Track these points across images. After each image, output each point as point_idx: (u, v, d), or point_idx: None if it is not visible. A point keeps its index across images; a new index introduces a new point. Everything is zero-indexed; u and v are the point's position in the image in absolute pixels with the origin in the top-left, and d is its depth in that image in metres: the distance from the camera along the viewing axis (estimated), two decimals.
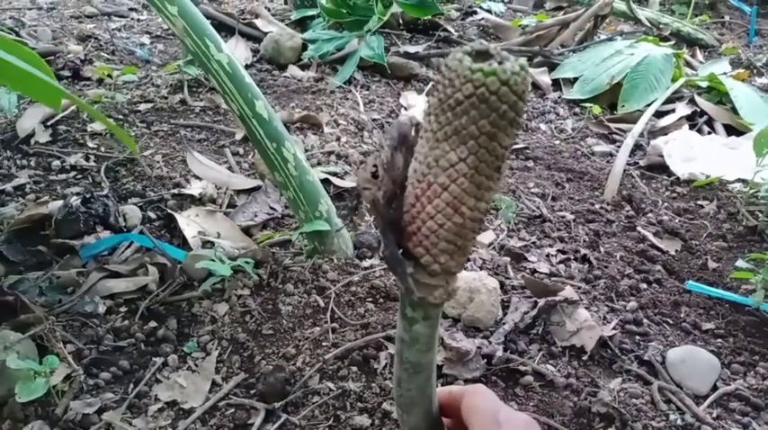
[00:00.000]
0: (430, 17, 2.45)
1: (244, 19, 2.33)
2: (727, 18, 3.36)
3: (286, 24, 2.37)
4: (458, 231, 0.40)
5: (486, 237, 1.23)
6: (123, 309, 1.00)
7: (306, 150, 1.49)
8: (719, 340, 1.03)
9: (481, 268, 1.13)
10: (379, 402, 0.84)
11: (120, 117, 1.57)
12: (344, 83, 1.92)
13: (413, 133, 0.43)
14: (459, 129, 0.37)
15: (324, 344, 0.93)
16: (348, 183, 1.35)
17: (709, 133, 1.86)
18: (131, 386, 0.87)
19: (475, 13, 2.86)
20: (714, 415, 0.88)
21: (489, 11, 2.90)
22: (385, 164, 0.43)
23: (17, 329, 0.89)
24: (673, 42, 2.59)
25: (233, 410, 0.84)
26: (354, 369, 0.89)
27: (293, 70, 2.02)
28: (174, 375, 0.89)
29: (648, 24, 2.77)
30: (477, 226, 0.41)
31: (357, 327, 0.96)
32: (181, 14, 0.96)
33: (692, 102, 2.02)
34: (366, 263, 1.10)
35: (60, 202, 1.13)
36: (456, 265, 0.42)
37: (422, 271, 0.42)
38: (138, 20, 2.36)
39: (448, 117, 0.37)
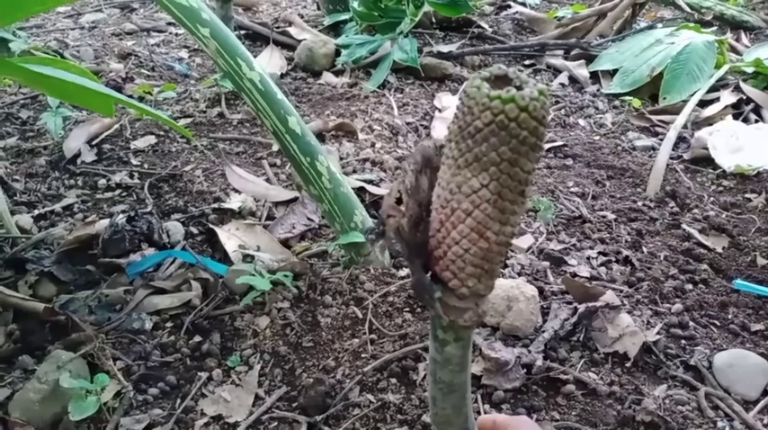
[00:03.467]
0: (463, 14, 2.43)
1: (277, 27, 2.36)
2: None
3: (319, 30, 2.38)
4: (484, 256, 0.40)
5: (524, 241, 1.22)
6: (169, 324, 1.03)
7: (341, 158, 1.50)
8: None
9: (519, 274, 1.12)
10: (418, 414, 0.84)
11: (162, 133, 1.61)
12: (378, 87, 1.92)
13: (436, 156, 0.43)
14: (479, 156, 0.37)
15: (363, 355, 0.94)
16: (383, 190, 1.35)
17: (757, 121, 1.79)
18: (178, 401, 0.90)
19: (509, 6, 2.83)
20: (765, 421, 0.85)
21: (524, 4, 2.86)
22: (409, 189, 0.43)
23: (69, 348, 0.93)
24: (716, 27, 2.50)
25: (276, 423, 0.86)
26: (393, 381, 0.90)
27: (327, 77, 2.04)
28: (218, 389, 0.91)
29: (689, 9, 2.68)
30: (503, 249, 0.41)
31: (395, 338, 0.97)
32: (213, 36, 0.97)
33: (737, 89, 1.95)
34: (402, 272, 1.11)
35: (107, 222, 1.17)
36: (485, 288, 0.42)
37: (450, 294, 0.43)
38: (177, 34, 2.42)
39: (468, 144, 0.37)
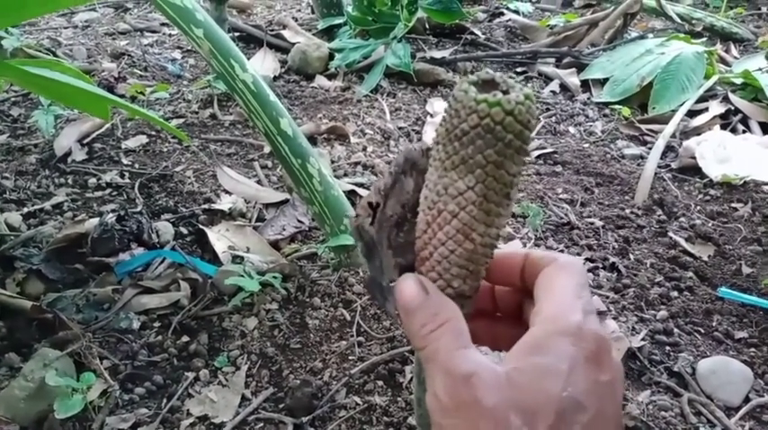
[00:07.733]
0: (457, 21, 2.44)
1: (272, 30, 2.36)
2: (764, 10, 3.26)
3: (313, 34, 2.39)
4: (469, 257, 0.40)
5: (512, 246, 1.22)
6: (157, 324, 1.03)
7: (332, 161, 1.50)
8: (752, 349, 1.01)
9: None
10: (404, 417, 0.85)
11: (153, 133, 1.61)
12: (371, 91, 1.93)
13: (422, 158, 0.44)
14: (466, 159, 0.38)
15: (350, 357, 0.95)
16: None
17: (744, 132, 1.81)
18: (164, 401, 0.89)
19: (502, 14, 2.85)
20: (746, 428, 0.87)
21: (516, 11, 2.88)
22: (382, 190, 0.44)
23: (56, 346, 0.92)
24: (705, 38, 2.53)
25: (262, 424, 0.86)
26: (380, 383, 0.90)
27: (320, 80, 2.04)
28: (205, 390, 0.91)
29: (679, 20, 2.71)
30: (489, 251, 0.41)
31: (383, 341, 0.97)
32: (206, 37, 0.98)
33: (725, 100, 1.97)
34: None
35: (96, 221, 1.17)
36: (470, 289, 0.43)
37: None
38: (170, 35, 2.42)
39: (455, 146, 0.38)
